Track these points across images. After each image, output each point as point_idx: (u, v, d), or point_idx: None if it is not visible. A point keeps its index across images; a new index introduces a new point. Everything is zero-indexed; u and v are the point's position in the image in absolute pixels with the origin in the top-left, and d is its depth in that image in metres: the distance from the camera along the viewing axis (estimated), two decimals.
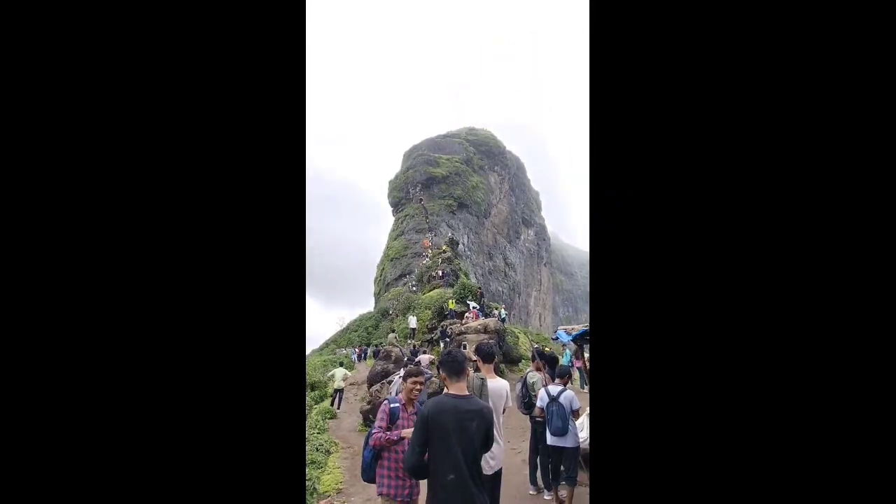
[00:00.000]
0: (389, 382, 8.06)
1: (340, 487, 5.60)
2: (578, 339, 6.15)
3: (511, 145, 69.42)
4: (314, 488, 4.85)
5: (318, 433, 8.51)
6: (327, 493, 5.26)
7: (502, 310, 20.03)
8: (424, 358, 11.29)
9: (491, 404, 2.99)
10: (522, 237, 66.21)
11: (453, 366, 2.36)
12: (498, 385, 3.30)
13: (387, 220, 53.18)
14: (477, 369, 3.50)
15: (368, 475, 3.01)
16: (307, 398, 12.83)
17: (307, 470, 5.15)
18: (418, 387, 2.97)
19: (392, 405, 2.98)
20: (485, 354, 3.42)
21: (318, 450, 7.04)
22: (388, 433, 2.85)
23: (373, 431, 2.91)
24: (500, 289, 52.43)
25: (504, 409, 3.25)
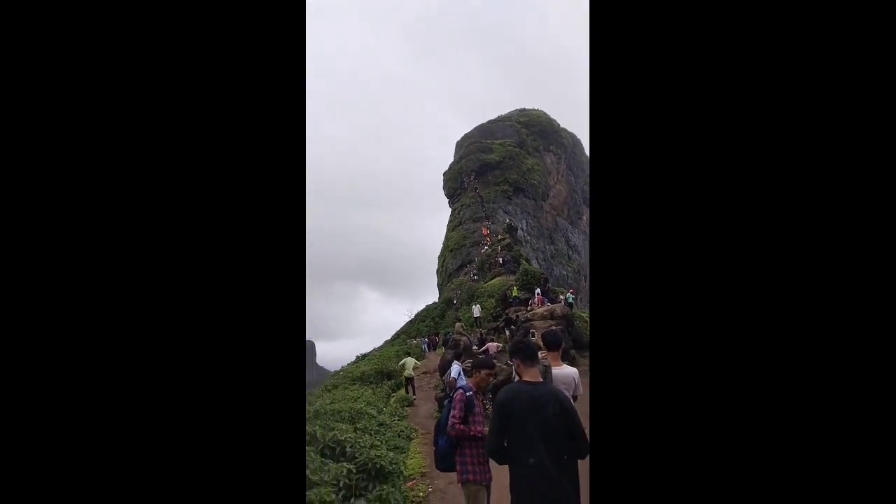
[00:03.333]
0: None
1: (423, 471, 5.99)
2: None
3: (565, 122, 67.00)
4: (400, 471, 5.25)
5: (399, 420, 9.04)
6: (412, 476, 5.67)
7: (569, 294, 19.64)
8: (492, 346, 11.44)
9: None
10: (585, 217, 63.75)
11: (526, 353, 2.42)
12: (564, 372, 3.30)
13: (445, 211, 53.80)
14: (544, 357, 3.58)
15: (445, 464, 3.09)
16: (385, 387, 13.61)
17: (393, 454, 5.57)
18: (491, 379, 3.14)
19: (468, 393, 3.09)
20: (548, 342, 3.44)
21: (399, 436, 7.51)
22: (468, 427, 2.97)
23: (451, 421, 3.00)
24: (565, 273, 51.10)
25: (575, 397, 3.31)
